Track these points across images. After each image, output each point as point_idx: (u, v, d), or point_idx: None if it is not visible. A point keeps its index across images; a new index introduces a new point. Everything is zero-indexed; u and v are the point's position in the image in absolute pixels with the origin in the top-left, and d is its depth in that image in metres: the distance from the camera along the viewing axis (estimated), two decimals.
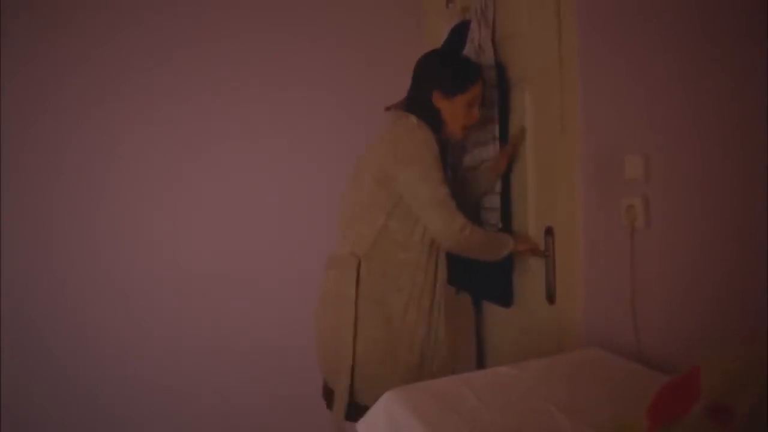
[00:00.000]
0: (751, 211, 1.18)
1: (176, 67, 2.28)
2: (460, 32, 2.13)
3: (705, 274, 1.31)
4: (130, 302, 2.27)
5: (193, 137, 2.32)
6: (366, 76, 2.50)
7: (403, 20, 2.55)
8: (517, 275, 1.97)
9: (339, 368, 1.73)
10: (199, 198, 2.35)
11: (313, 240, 2.43)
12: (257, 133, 2.41)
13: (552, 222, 1.80)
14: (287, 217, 2.46)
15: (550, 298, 1.81)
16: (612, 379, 1.30)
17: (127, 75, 2.23)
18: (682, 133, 1.34)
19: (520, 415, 1.14)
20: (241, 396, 2.41)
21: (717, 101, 1.25)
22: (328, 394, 1.82)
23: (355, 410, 1.69)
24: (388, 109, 1.86)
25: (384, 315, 1.70)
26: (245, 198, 2.40)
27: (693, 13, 1.30)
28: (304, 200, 2.47)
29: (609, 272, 1.58)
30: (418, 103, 1.79)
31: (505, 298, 2.00)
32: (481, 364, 2.25)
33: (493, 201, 2.01)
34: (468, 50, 2.07)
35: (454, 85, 1.76)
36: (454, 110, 1.78)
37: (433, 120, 1.76)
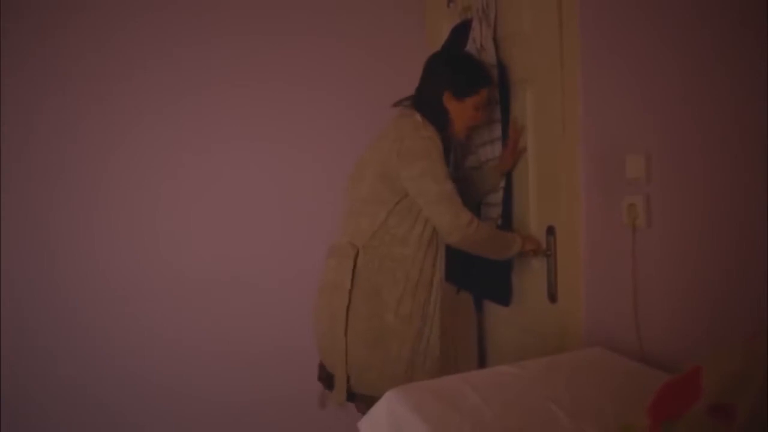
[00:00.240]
0: (752, 210, 1.18)
1: (176, 67, 2.27)
2: (461, 32, 2.13)
3: (706, 273, 1.31)
4: (130, 302, 2.27)
5: (193, 137, 2.32)
6: (367, 75, 2.49)
7: (404, 19, 2.55)
8: (519, 274, 1.97)
9: (334, 354, 1.76)
10: (200, 198, 2.34)
11: (313, 240, 2.42)
12: (257, 132, 2.40)
13: (553, 221, 1.80)
14: (287, 217, 2.45)
15: (552, 297, 1.81)
16: (614, 377, 1.30)
17: (127, 75, 2.22)
18: (683, 132, 1.34)
19: (521, 414, 1.14)
20: (242, 396, 2.40)
21: (717, 101, 1.25)
22: (326, 377, 1.84)
23: (351, 396, 1.75)
24: (396, 105, 1.87)
25: (377, 306, 1.71)
26: (246, 198, 2.40)
27: (694, 13, 1.30)
28: (305, 200, 2.46)
29: (610, 271, 1.58)
30: (426, 102, 1.80)
31: (504, 296, 2.00)
32: (482, 363, 2.25)
33: (495, 197, 2.01)
34: (469, 49, 2.06)
35: (467, 88, 1.79)
36: (462, 112, 1.80)
37: (440, 119, 1.77)
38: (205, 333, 2.36)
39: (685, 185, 1.35)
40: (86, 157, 2.20)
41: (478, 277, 2.03)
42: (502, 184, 1.97)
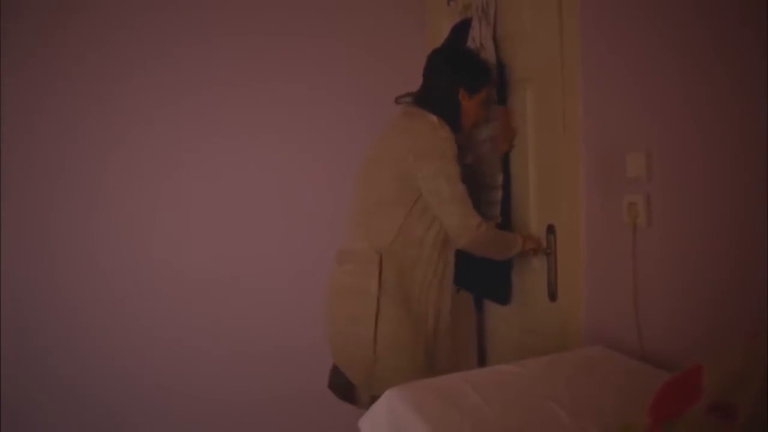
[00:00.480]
0: (752, 209, 1.18)
1: (176, 67, 2.27)
2: (460, 30, 2.13)
3: (706, 272, 1.31)
4: (130, 302, 2.27)
5: (193, 137, 2.32)
6: (367, 75, 2.49)
7: (403, 18, 2.54)
8: (519, 273, 1.97)
9: (357, 360, 1.75)
10: (200, 198, 2.34)
11: (313, 240, 2.43)
12: (257, 132, 2.40)
13: (554, 220, 1.80)
14: (287, 217, 2.45)
15: (552, 295, 1.81)
16: (614, 376, 1.30)
17: (127, 75, 2.22)
18: (683, 131, 1.34)
19: (522, 413, 1.14)
20: (242, 396, 2.40)
21: (718, 100, 1.25)
22: (338, 386, 1.84)
23: (373, 401, 1.74)
24: (398, 101, 1.86)
25: (402, 309, 1.72)
26: (246, 198, 2.40)
27: (694, 12, 1.30)
28: (305, 200, 2.46)
29: (611, 270, 1.58)
30: (439, 99, 1.80)
31: (503, 296, 2.00)
32: (483, 362, 2.25)
33: (495, 195, 2.00)
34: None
35: (478, 83, 1.81)
36: (471, 108, 1.82)
37: (454, 117, 1.78)
38: (205, 333, 2.36)
39: (685, 184, 1.35)
40: (86, 157, 2.20)
41: (477, 277, 2.03)
42: (501, 181, 1.97)
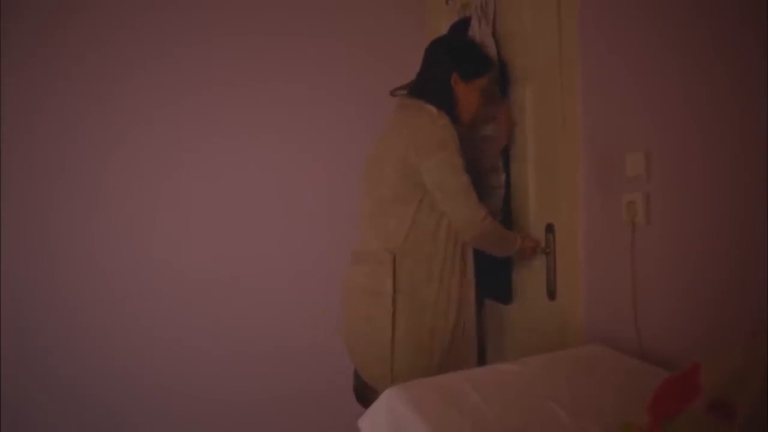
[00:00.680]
0: (752, 208, 1.18)
1: (176, 67, 2.27)
2: (459, 29, 2.13)
3: (706, 271, 1.31)
4: (130, 302, 2.27)
5: (193, 137, 2.32)
6: (367, 75, 2.49)
7: (403, 17, 2.55)
8: (518, 272, 1.97)
9: (374, 361, 1.75)
10: (200, 198, 2.34)
11: (313, 240, 2.43)
12: (257, 132, 2.40)
13: (553, 218, 1.80)
14: (288, 217, 2.45)
15: (551, 294, 1.81)
16: (613, 375, 1.30)
17: (127, 75, 2.22)
18: (683, 130, 1.34)
19: (521, 412, 1.14)
20: (242, 396, 2.40)
21: (717, 99, 1.25)
22: (361, 388, 1.83)
23: None
24: (393, 93, 1.85)
25: (418, 307, 1.72)
26: (246, 198, 2.40)
27: (693, 12, 1.30)
28: (305, 200, 2.46)
29: (610, 269, 1.58)
30: (431, 85, 1.79)
31: (504, 294, 2.00)
32: (482, 360, 2.24)
33: (497, 193, 2.00)
34: None
35: (474, 68, 1.79)
36: (468, 95, 1.80)
37: (447, 100, 1.76)
38: (205, 333, 2.36)
39: (684, 183, 1.35)
40: (86, 157, 2.20)
41: (477, 276, 2.03)
42: (501, 180, 1.97)
